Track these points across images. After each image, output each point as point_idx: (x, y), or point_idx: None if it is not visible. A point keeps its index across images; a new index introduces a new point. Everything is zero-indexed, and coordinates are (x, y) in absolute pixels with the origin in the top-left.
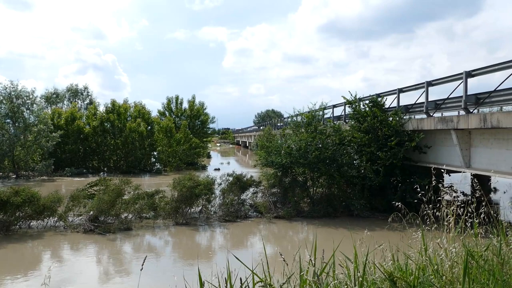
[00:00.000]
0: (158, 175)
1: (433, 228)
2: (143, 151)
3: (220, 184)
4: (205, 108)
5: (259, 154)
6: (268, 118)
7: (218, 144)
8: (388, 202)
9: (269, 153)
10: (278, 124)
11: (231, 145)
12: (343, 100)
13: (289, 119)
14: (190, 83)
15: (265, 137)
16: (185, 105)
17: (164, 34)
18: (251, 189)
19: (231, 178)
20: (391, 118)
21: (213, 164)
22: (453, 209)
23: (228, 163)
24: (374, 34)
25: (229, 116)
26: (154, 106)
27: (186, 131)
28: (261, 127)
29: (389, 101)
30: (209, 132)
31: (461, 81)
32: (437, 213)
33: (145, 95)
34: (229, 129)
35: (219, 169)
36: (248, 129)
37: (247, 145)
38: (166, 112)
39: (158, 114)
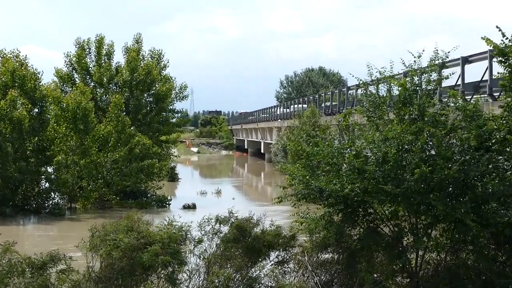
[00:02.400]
0: (56, 219)
1: None
2: (23, 166)
3: (200, 242)
4: (166, 65)
5: (289, 171)
6: (309, 89)
7: (194, 149)
8: None
9: (312, 169)
10: (333, 104)
11: (224, 151)
12: (485, 47)
13: (359, 91)
14: (134, 11)
15: (303, 132)
16: (120, 59)
17: None
18: (273, 255)
19: (225, 229)
20: None
21: (183, 194)
22: None
23: (218, 191)
24: None
25: (220, 84)
26: (50, 61)
27: (122, 118)
28: (293, 110)
29: None
30: (174, 120)
31: None
32: None
33: (33, 38)
34: (220, 114)
35: (194, 207)
36: (264, 113)
37: (262, 150)
38: (76, 75)
39: (57, 78)
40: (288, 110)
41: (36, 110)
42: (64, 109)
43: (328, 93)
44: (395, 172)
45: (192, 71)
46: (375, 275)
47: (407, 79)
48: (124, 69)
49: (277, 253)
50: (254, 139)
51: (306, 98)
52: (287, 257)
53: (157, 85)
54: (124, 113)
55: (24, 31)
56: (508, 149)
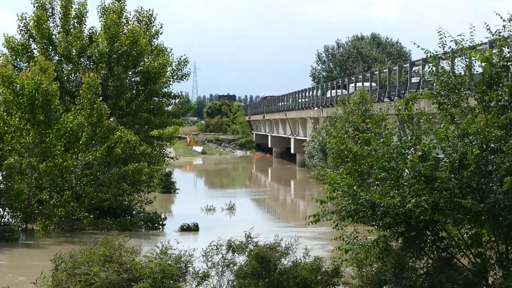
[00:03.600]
0: (7, 246)
1: None
2: None
3: (207, 277)
4: (158, 32)
5: (330, 179)
6: (358, 64)
7: (198, 149)
8: None
9: (361, 177)
10: (392, 85)
11: (239, 151)
12: None
13: (426, 68)
14: None
15: (349, 124)
16: (95, 23)
17: None
18: None
19: (240, 259)
20: None
21: (182, 211)
22: None
23: (231, 207)
24: None
25: (233, 59)
26: None
27: (97, 105)
28: (335, 94)
29: None
30: (170, 108)
31: None
32: None
33: None
34: (234, 99)
35: (197, 229)
36: (296, 99)
37: (293, 150)
38: (34, 46)
39: (7, 50)
40: (328, 94)
41: None
42: (18, 92)
43: (384, 70)
44: (477, 180)
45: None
46: None
47: (493, 51)
48: (101, 37)
49: None
50: (281, 134)
51: (353, 78)
52: None
53: (146, 60)
54: (101, 99)
55: None
56: None
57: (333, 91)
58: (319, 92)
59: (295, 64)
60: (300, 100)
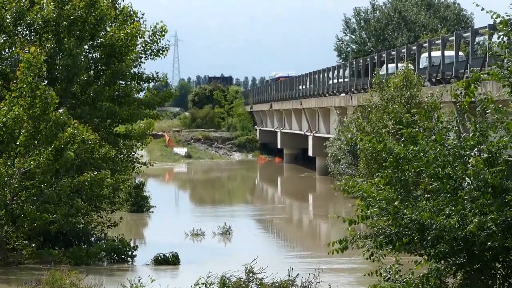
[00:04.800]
0: None
1: None
2: None
3: None
4: None
5: (362, 191)
6: (400, 33)
7: (181, 151)
8: None
9: (406, 188)
10: (446, 62)
11: (238, 154)
12: None
13: (495, 39)
14: None
15: (389, 116)
16: None
17: None
18: None
19: None
20: None
21: (158, 237)
22: None
23: (226, 230)
24: None
25: (227, 30)
26: None
27: (41, 91)
28: (370, 74)
29: None
30: (142, 96)
31: None
32: None
33: None
34: (230, 82)
35: (177, 262)
36: (315, 81)
37: (311, 152)
38: None
39: None
40: (359, 75)
41: None
42: None
43: (437, 41)
44: None
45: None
46: None
47: None
48: None
49: None
50: (296, 130)
51: (394, 52)
52: None
53: (108, 28)
54: (47, 82)
55: None
56: None
57: (367, 70)
58: (347, 71)
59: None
60: (321, 84)
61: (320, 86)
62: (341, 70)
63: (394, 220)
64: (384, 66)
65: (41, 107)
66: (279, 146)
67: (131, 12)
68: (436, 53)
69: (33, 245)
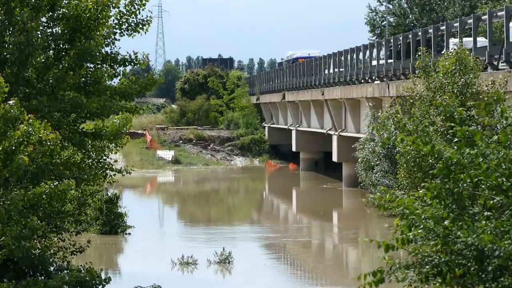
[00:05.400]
0: None
1: None
2: None
3: None
4: None
5: (400, 207)
6: (452, 3)
7: (167, 154)
8: None
9: (460, 203)
10: None
11: (240, 158)
12: None
13: None
14: None
15: (437, 110)
16: None
17: None
18: None
19: None
20: None
21: (137, 267)
22: None
23: (225, 258)
24: None
25: None
26: None
27: None
28: (412, 56)
29: None
30: (115, 83)
31: None
32: None
33: None
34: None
35: None
36: (340, 63)
37: (336, 157)
38: None
39: None
40: (400, 57)
41: None
42: None
43: (500, 12)
44: None
45: None
46: None
47: None
48: None
49: None
50: (316, 128)
51: (443, 27)
52: None
53: None
54: None
55: None
56: None
57: (409, 50)
58: (382, 52)
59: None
60: (348, 68)
61: (347, 71)
62: (375, 50)
63: (445, 245)
64: (432, 45)
65: None
66: (294, 149)
67: None
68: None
69: None
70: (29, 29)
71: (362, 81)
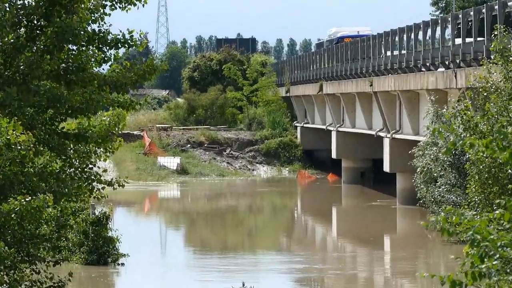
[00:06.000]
0: None
1: None
2: None
3: None
4: None
5: (473, 231)
6: None
7: (170, 163)
8: None
9: None
10: None
11: (265, 167)
12: None
13: None
14: None
15: None
16: None
17: None
18: None
19: None
20: None
21: None
22: None
23: None
24: None
25: None
26: None
27: None
28: (488, 36)
29: None
30: (105, 70)
31: None
32: None
33: None
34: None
35: None
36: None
37: (388, 167)
38: None
39: None
40: (469, 39)
41: None
42: None
43: None
44: None
45: None
46: None
47: None
48: None
49: None
50: (362, 128)
51: None
52: None
53: None
54: None
55: None
56: None
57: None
58: (447, 32)
59: None
60: (405, 52)
61: (403, 55)
62: (439, 28)
63: None
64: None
65: None
66: (334, 156)
67: None
68: None
69: None
70: None
71: (422, 68)
